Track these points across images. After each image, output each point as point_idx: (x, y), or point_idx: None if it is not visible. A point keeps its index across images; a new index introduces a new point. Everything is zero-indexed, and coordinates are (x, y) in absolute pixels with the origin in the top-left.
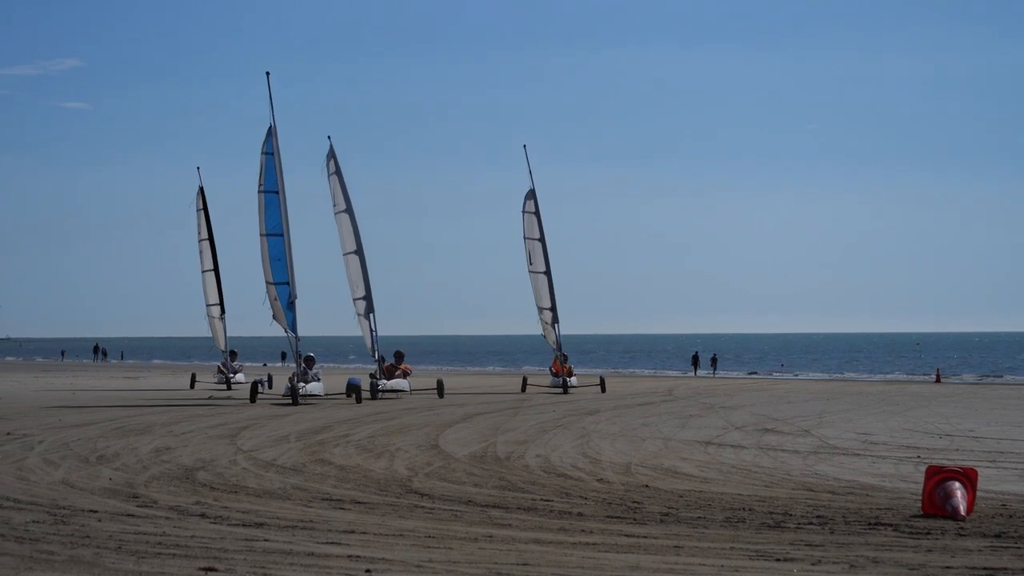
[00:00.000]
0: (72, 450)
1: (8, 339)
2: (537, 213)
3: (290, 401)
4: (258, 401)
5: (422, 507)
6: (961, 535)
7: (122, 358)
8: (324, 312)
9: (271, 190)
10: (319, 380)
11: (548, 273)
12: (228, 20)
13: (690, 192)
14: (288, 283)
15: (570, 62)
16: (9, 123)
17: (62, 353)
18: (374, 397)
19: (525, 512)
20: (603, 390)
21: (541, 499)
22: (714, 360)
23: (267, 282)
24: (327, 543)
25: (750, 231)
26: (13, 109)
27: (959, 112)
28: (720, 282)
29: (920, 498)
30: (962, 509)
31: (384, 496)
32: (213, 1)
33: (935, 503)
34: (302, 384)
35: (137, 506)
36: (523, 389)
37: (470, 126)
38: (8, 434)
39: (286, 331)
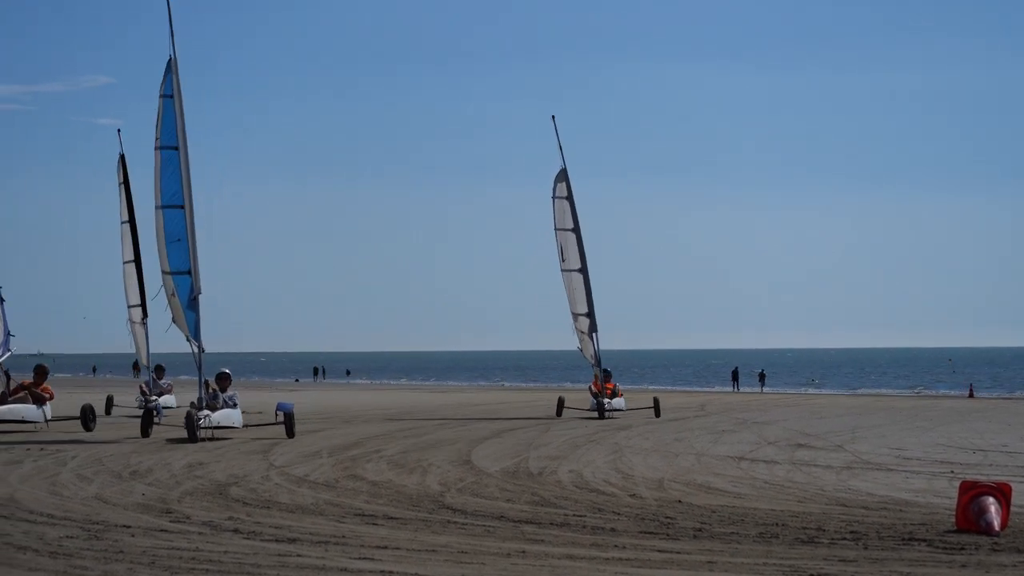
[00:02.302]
0: (105, 465)
1: (40, 355)
2: (570, 198)
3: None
4: (160, 433)
5: (455, 523)
6: (995, 550)
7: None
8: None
9: (169, 146)
10: (236, 406)
11: (584, 271)
12: (262, 37)
13: (716, 206)
14: (190, 272)
15: (599, 75)
16: (41, 139)
17: (93, 368)
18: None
19: (558, 528)
20: (657, 413)
21: (574, 514)
22: (761, 376)
23: (163, 271)
24: (360, 559)
25: (778, 246)
26: (44, 125)
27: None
28: (747, 297)
29: (954, 513)
30: (996, 524)
31: (417, 511)
32: (245, 17)
33: (969, 518)
34: (206, 413)
35: (170, 521)
36: (559, 412)
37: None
38: (41, 449)
39: (188, 340)
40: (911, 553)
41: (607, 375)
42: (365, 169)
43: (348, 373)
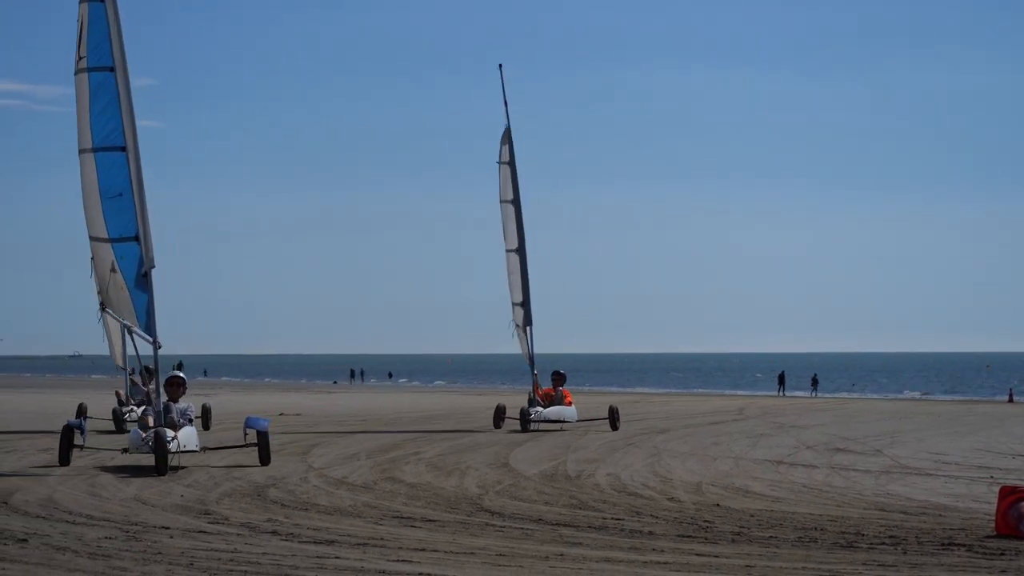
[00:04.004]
0: (144, 466)
1: (78, 355)
2: (512, 163)
3: (153, 461)
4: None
5: (493, 525)
6: None
7: (204, 375)
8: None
9: (101, 67)
10: (191, 421)
11: (522, 251)
12: (304, 43)
13: (744, 209)
14: (138, 238)
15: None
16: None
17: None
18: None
19: (596, 531)
20: (614, 426)
21: (612, 518)
22: (815, 380)
23: (92, 238)
24: (398, 561)
25: (817, 249)
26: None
27: None
28: (781, 300)
29: (993, 518)
30: None
31: (455, 514)
32: (286, 23)
33: (1009, 523)
34: (173, 435)
35: (209, 523)
36: (497, 423)
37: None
38: (80, 449)
39: (130, 329)
40: (950, 558)
41: (559, 378)
42: (406, 172)
43: (390, 376)
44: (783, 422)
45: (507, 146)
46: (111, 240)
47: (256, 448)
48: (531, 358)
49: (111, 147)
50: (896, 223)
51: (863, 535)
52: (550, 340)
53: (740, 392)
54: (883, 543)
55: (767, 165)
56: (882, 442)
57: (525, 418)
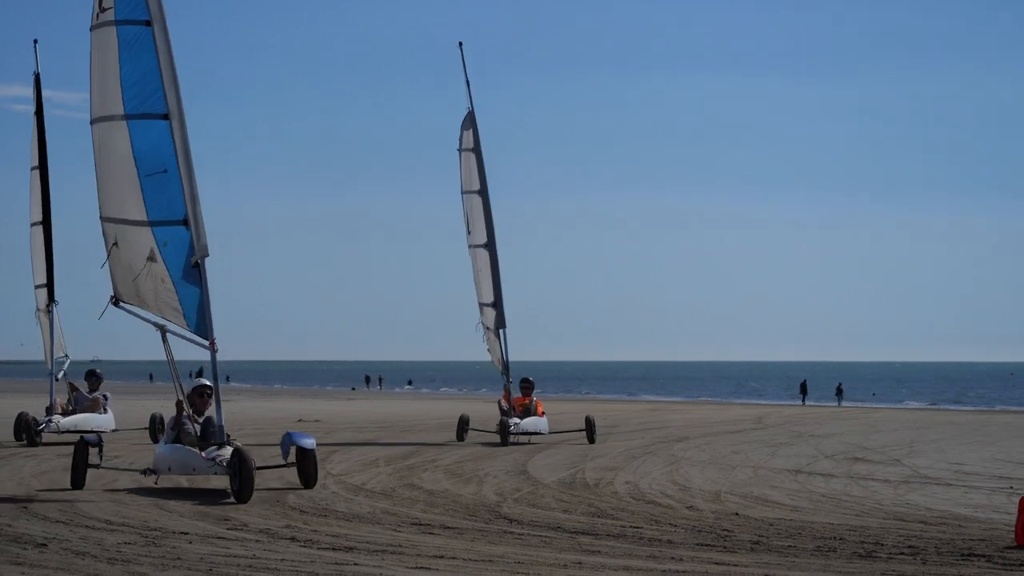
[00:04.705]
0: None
1: (97, 360)
2: (477, 150)
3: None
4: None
5: (511, 533)
6: None
7: (227, 380)
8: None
9: (134, 20)
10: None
11: (492, 247)
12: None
13: (759, 217)
14: (186, 222)
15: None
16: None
17: (151, 376)
18: None
19: (614, 539)
20: (591, 438)
21: (631, 526)
22: (839, 389)
23: (113, 220)
24: (416, 568)
25: (837, 258)
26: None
27: None
28: (803, 309)
29: (1014, 529)
30: None
31: (473, 521)
32: (305, 25)
33: None
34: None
35: (228, 528)
36: (459, 435)
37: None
38: (96, 468)
39: (164, 330)
40: (970, 569)
41: (529, 386)
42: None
43: (410, 383)
44: (802, 431)
45: (471, 131)
46: (151, 223)
47: (297, 471)
48: (505, 364)
49: (150, 114)
50: (913, 231)
51: (882, 545)
52: (539, 345)
53: (760, 401)
54: (902, 553)
55: (783, 170)
56: (901, 452)
57: (506, 431)
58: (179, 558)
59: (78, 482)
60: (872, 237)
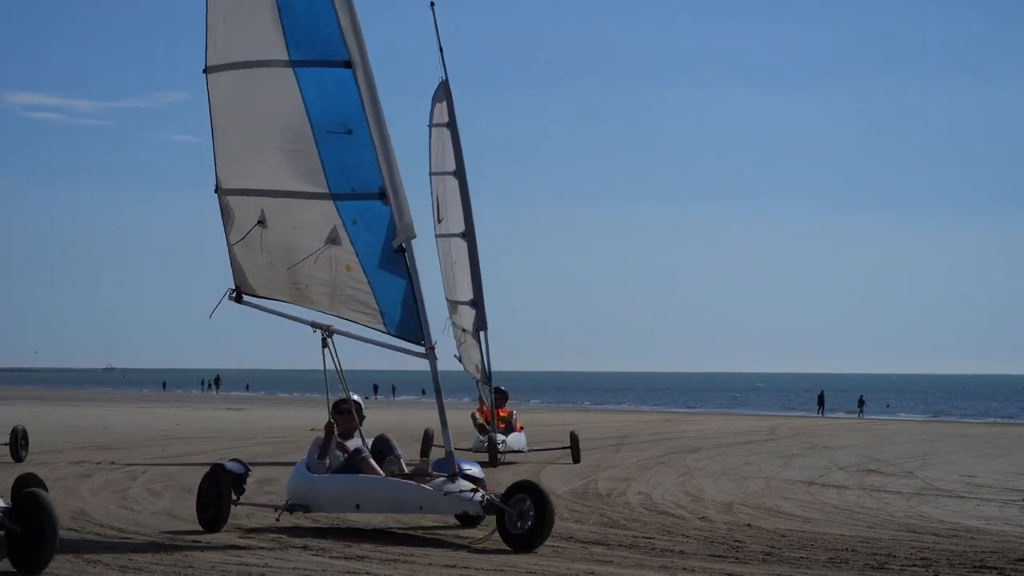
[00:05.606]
0: (175, 480)
1: (111, 368)
2: (453, 125)
3: None
4: None
5: None
6: None
7: (247, 389)
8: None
9: None
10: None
11: (470, 236)
12: None
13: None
14: (383, 195)
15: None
16: (120, 154)
17: (163, 384)
18: None
19: (626, 549)
20: (575, 457)
21: (643, 536)
22: (861, 401)
23: (229, 191)
24: None
25: (855, 271)
26: (126, 142)
27: None
28: (814, 320)
29: None
30: None
31: (485, 531)
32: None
33: None
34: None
35: (240, 537)
36: (424, 452)
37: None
38: (112, 463)
39: (329, 332)
40: None
41: (500, 396)
42: None
43: (424, 392)
44: (815, 442)
45: (444, 104)
46: (333, 196)
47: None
48: (487, 372)
49: (327, 61)
50: (917, 242)
51: (894, 557)
52: (547, 356)
53: (774, 412)
54: (914, 565)
55: (805, 182)
56: (914, 464)
57: (494, 449)
58: (191, 566)
59: (216, 524)
60: (883, 249)
